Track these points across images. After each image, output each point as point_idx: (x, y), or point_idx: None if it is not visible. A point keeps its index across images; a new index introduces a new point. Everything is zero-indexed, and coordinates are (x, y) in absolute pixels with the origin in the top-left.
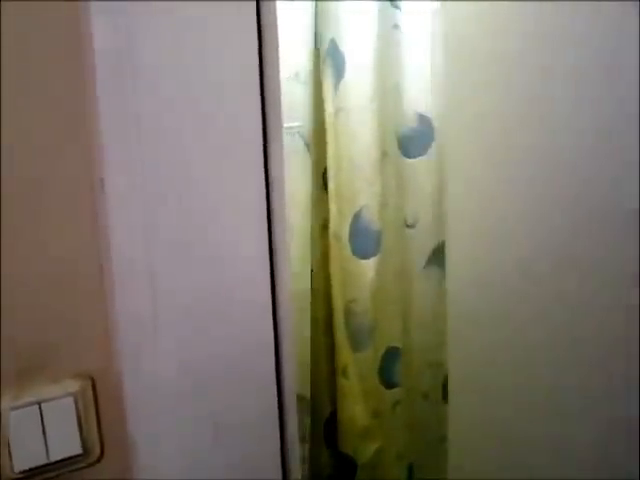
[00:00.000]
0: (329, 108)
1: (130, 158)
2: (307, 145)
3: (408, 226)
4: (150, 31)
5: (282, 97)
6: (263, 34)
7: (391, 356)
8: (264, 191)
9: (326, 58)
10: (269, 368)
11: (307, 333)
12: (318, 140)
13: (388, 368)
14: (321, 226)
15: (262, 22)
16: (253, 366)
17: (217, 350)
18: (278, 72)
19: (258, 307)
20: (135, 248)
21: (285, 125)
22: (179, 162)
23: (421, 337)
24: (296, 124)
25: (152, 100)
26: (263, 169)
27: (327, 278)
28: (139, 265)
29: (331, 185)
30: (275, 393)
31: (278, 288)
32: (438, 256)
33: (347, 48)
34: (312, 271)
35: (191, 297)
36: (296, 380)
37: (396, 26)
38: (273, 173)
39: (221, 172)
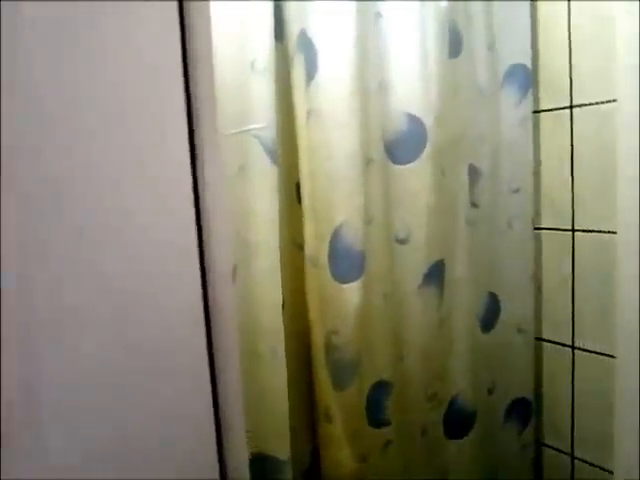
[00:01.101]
0: (299, 110)
1: None
2: (269, 151)
3: (399, 242)
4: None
5: (235, 90)
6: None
7: (379, 391)
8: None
9: (295, 52)
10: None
11: (282, 379)
12: (287, 146)
13: (376, 404)
14: (295, 247)
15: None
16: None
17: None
18: (210, 70)
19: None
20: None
21: (238, 128)
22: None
23: (416, 366)
24: (255, 126)
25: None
26: (190, 173)
27: (303, 308)
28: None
29: (305, 200)
30: None
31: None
32: (436, 274)
33: (320, 40)
34: (283, 301)
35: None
36: (271, 439)
37: (379, 14)
38: (207, 178)
39: (142, 178)
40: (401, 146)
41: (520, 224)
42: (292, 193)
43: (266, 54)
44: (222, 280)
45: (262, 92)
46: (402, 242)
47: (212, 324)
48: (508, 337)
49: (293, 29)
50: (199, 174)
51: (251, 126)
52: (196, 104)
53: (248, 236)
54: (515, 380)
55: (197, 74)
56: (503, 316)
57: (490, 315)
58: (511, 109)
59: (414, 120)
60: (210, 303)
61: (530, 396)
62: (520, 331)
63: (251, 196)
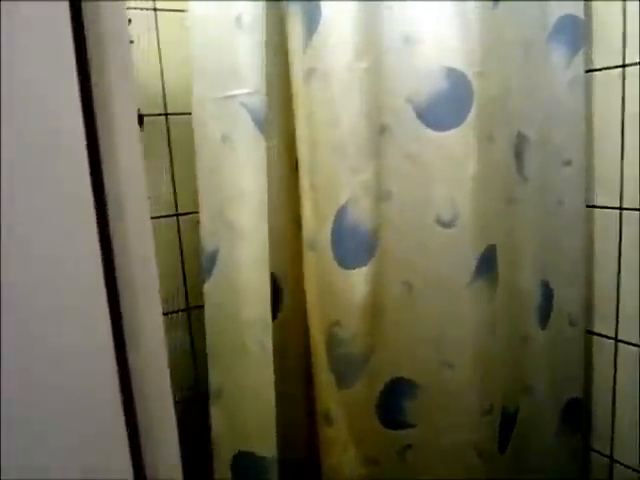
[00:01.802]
0: (297, 69)
1: None
2: (258, 120)
3: (443, 224)
4: None
5: (218, 50)
6: None
7: (397, 389)
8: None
9: (289, 2)
10: None
11: (269, 374)
12: (284, 114)
13: (392, 404)
14: (291, 230)
15: None
16: None
17: None
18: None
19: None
20: None
21: (222, 93)
22: None
23: (466, 375)
24: (241, 91)
25: None
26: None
27: (299, 297)
28: None
29: (304, 174)
30: None
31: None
32: (488, 263)
33: None
34: (278, 289)
35: None
36: (256, 437)
37: None
38: (122, 164)
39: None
40: (440, 107)
41: (572, 201)
42: (292, 169)
43: (253, 7)
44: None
45: (249, 52)
46: (446, 225)
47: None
48: (561, 331)
49: None
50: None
51: (237, 91)
52: (101, 85)
53: (232, 217)
54: (568, 379)
55: (99, 51)
56: (556, 308)
57: (545, 307)
58: (561, 68)
59: (455, 74)
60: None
61: (581, 396)
62: (572, 324)
63: (236, 171)
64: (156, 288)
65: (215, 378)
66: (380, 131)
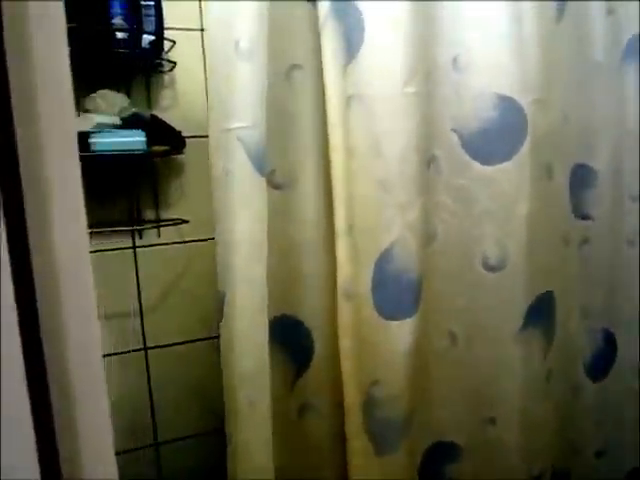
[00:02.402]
0: (334, 96)
1: None
2: (255, 157)
3: (489, 269)
4: None
5: (220, 78)
6: None
7: (439, 453)
8: None
9: (328, 18)
10: None
11: (262, 438)
12: (312, 146)
13: (434, 469)
14: (325, 277)
15: None
16: None
17: None
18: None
19: None
20: None
21: (224, 124)
22: None
23: (512, 434)
24: (238, 124)
25: None
26: None
27: (333, 353)
28: None
29: (339, 215)
30: None
31: None
32: (542, 311)
33: (366, 5)
34: (310, 342)
35: None
36: None
37: None
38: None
39: None
40: (490, 139)
41: None
42: (325, 209)
43: (252, 31)
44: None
45: (247, 82)
46: (493, 269)
47: None
48: (625, 386)
49: None
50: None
51: (235, 124)
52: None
53: (231, 260)
54: (633, 443)
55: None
56: (620, 359)
57: (603, 357)
58: (635, 90)
59: (507, 103)
60: None
61: None
62: None
63: (232, 210)
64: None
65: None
66: (428, 163)
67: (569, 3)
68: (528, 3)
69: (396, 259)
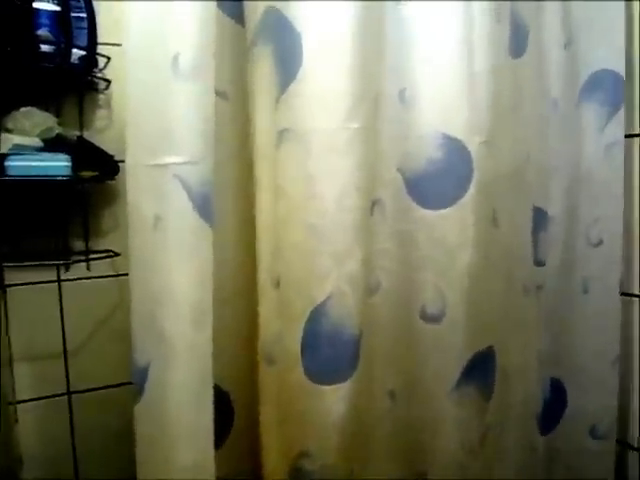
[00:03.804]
0: (264, 130)
1: None
2: (197, 198)
3: (427, 319)
4: None
5: (151, 102)
6: None
7: None
8: None
9: (259, 39)
10: None
11: None
12: (239, 187)
13: None
14: (245, 337)
15: None
16: None
17: None
18: None
19: None
20: None
21: (153, 159)
22: None
23: None
24: (174, 159)
25: None
26: None
27: (255, 421)
28: None
29: (262, 267)
30: None
31: None
32: (481, 368)
33: (304, 21)
34: (229, 409)
35: None
36: None
37: None
38: None
39: None
40: (433, 181)
41: (601, 287)
42: (244, 258)
43: (196, 45)
44: None
45: (188, 107)
46: (431, 320)
47: None
48: (576, 441)
49: (255, 5)
50: None
51: (170, 158)
52: None
53: (164, 327)
54: None
55: None
56: (570, 411)
57: (551, 408)
58: (594, 131)
59: (453, 144)
60: None
61: None
62: (595, 435)
63: (168, 265)
64: None
65: None
66: (371, 207)
67: (529, 37)
68: (481, 36)
69: (331, 315)
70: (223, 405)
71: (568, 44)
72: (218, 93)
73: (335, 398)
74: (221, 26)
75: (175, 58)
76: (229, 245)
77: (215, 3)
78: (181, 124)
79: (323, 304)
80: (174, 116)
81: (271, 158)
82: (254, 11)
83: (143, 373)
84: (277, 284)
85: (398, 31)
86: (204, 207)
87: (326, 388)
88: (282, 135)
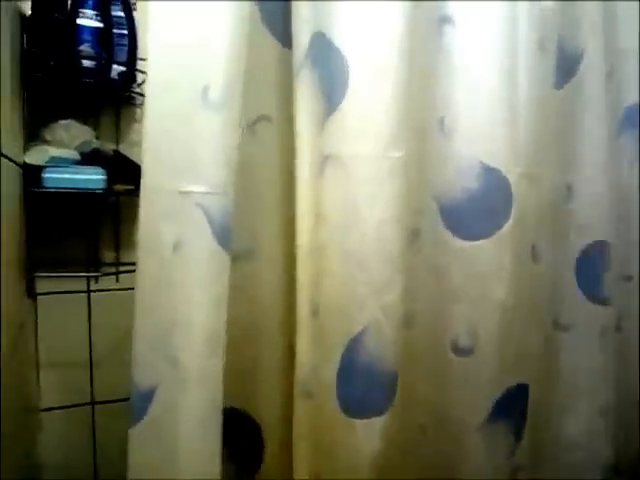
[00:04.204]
0: (306, 156)
1: None
2: (219, 229)
3: (458, 352)
4: None
5: (177, 129)
6: None
7: None
8: None
9: (303, 65)
10: None
11: None
12: (276, 214)
13: None
14: (282, 369)
15: None
16: None
17: None
18: None
19: None
20: None
21: (176, 185)
22: None
23: None
24: (197, 188)
25: None
26: None
27: (289, 454)
28: None
29: (301, 297)
30: None
31: None
32: (513, 405)
33: (351, 50)
34: (260, 441)
35: None
36: None
37: (446, 19)
38: None
39: None
40: (470, 212)
41: (633, 323)
42: (282, 290)
43: (228, 76)
44: None
45: (213, 137)
46: (462, 353)
47: None
48: None
49: (302, 30)
50: None
51: (193, 187)
52: None
53: (177, 351)
54: None
55: None
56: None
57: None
58: (627, 166)
59: (492, 174)
60: None
61: None
62: None
63: (186, 291)
64: None
65: None
66: (411, 237)
67: (577, 65)
68: (526, 66)
69: (367, 347)
70: (254, 439)
71: (610, 72)
72: (263, 117)
73: (368, 432)
74: (268, 49)
75: (205, 89)
76: (268, 273)
77: (261, 24)
78: (206, 154)
79: (360, 335)
80: (200, 146)
81: (313, 184)
82: (301, 35)
83: (147, 396)
84: (316, 313)
85: (441, 59)
86: (224, 236)
87: (359, 422)
88: (325, 161)
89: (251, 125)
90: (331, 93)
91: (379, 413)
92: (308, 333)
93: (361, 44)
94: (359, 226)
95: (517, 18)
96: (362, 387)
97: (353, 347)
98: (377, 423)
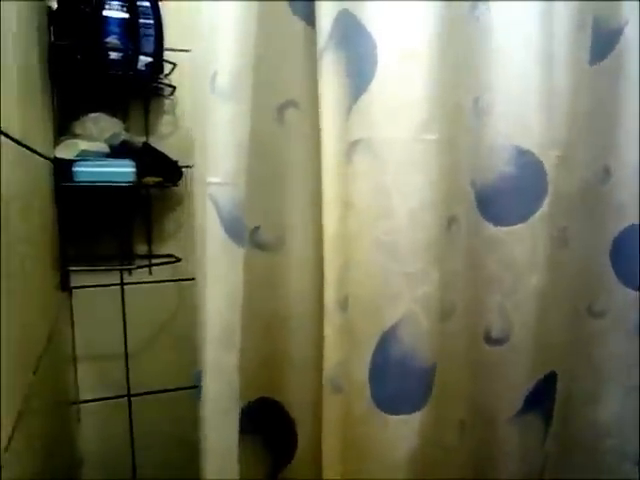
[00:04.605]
0: (334, 138)
1: None
2: (230, 223)
3: (491, 342)
4: None
5: (197, 120)
6: None
7: None
8: None
9: (329, 46)
10: None
11: None
12: (303, 202)
13: None
14: (313, 360)
15: None
16: None
17: None
18: None
19: None
20: None
21: (204, 177)
22: None
23: None
24: (211, 179)
25: None
26: None
27: (316, 452)
28: None
29: (329, 288)
30: None
31: None
32: (544, 395)
33: (380, 28)
34: (293, 434)
35: None
36: None
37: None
38: None
39: None
40: (504, 196)
41: None
42: (312, 280)
43: (235, 61)
44: None
45: (223, 127)
46: (495, 342)
47: None
48: None
49: (326, 7)
50: None
51: (208, 178)
52: None
53: (202, 344)
54: None
55: None
56: None
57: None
58: None
59: (527, 158)
60: None
61: None
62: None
63: (204, 285)
64: None
65: None
66: (448, 225)
67: (614, 41)
68: (562, 45)
69: (402, 341)
70: (287, 430)
71: None
72: (289, 102)
73: (405, 429)
74: (291, 28)
75: (213, 76)
76: (295, 265)
77: (287, 9)
78: (216, 143)
79: (394, 328)
80: (211, 134)
81: (341, 170)
82: (326, 13)
83: (198, 378)
84: (344, 306)
85: (476, 39)
86: (234, 228)
87: (395, 418)
88: (354, 146)
89: (278, 111)
90: (359, 74)
91: (416, 409)
92: (336, 327)
93: (390, 22)
94: (391, 214)
95: None
96: (397, 382)
97: (387, 341)
98: (414, 419)
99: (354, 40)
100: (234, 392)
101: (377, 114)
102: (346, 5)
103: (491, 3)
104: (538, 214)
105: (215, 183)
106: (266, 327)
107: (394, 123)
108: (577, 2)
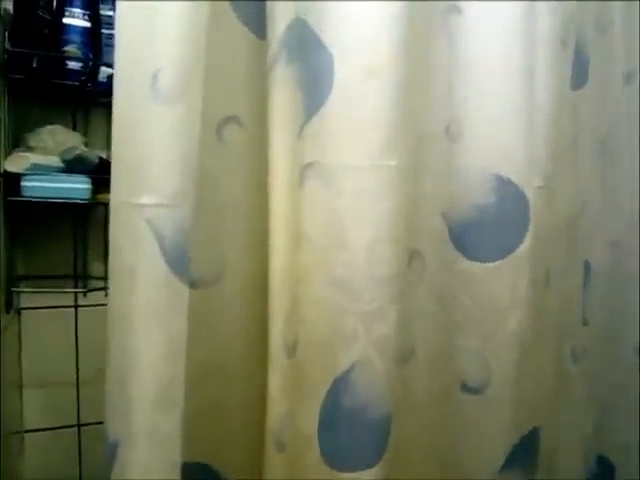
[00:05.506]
0: (283, 164)
1: None
2: (169, 250)
3: (468, 390)
4: None
5: (127, 128)
6: None
7: None
8: None
9: (281, 56)
10: None
11: None
12: (246, 234)
13: None
14: (250, 417)
15: None
16: None
17: None
18: None
19: None
20: None
21: (129, 197)
22: None
23: None
24: (147, 199)
25: None
26: None
27: None
28: None
29: (274, 330)
30: None
31: None
32: (526, 450)
33: (337, 40)
34: None
35: None
36: None
37: (454, 9)
38: None
39: None
40: (482, 230)
41: None
42: (251, 320)
43: (182, 57)
44: None
45: (167, 136)
46: (473, 391)
47: None
48: None
49: (277, 16)
50: None
51: (143, 199)
52: None
53: (131, 399)
54: None
55: None
56: None
57: None
58: None
59: (508, 188)
60: None
61: None
62: None
63: (137, 331)
64: None
65: None
66: (409, 259)
67: (590, 66)
68: (545, 62)
69: (356, 388)
70: None
71: (630, 74)
72: (230, 118)
73: None
74: (236, 36)
75: (154, 76)
76: (235, 304)
77: (228, 6)
78: (156, 157)
79: (347, 373)
80: (150, 146)
81: (291, 197)
82: (277, 22)
83: (112, 448)
84: (292, 350)
85: (447, 53)
86: (178, 261)
87: (347, 476)
88: (306, 171)
89: (217, 128)
90: (312, 92)
91: (369, 465)
92: (282, 374)
93: (348, 33)
94: (346, 247)
95: (536, 6)
96: (350, 435)
97: (338, 388)
98: (367, 476)
99: (308, 52)
100: (175, 462)
101: (332, 135)
102: (300, 13)
103: (465, 12)
104: (520, 249)
105: (154, 205)
106: (200, 376)
107: (350, 146)
108: (563, 15)
